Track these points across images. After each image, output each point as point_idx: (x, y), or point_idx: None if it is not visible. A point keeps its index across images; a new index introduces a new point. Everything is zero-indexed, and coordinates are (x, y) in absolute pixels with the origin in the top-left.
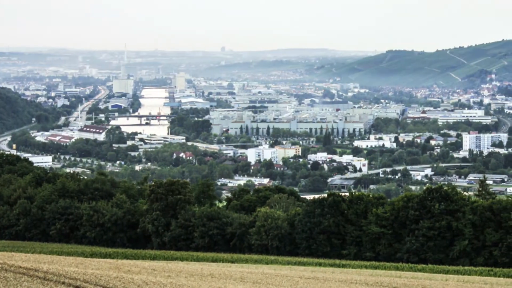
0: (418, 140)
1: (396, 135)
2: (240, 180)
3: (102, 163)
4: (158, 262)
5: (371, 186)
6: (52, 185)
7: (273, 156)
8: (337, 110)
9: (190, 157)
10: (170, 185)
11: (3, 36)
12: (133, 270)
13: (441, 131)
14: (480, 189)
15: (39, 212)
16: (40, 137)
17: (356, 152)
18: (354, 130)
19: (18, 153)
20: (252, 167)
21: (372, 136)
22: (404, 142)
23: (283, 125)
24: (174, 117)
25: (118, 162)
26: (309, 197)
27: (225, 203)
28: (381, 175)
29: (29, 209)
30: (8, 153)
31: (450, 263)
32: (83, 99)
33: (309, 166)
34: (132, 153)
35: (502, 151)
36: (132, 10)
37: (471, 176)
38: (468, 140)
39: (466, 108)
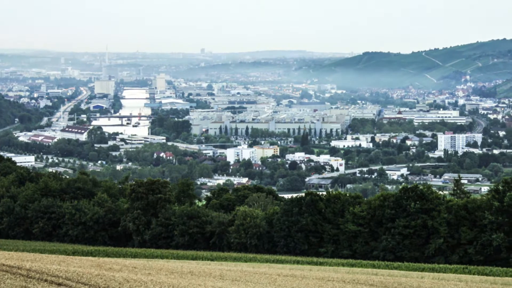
0: (394, 140)
1: (373, 135)
2: (219, 180)
3: (84, 162)
4: (138, 260)
5: (348, 186)
6: (35, 184)
7: (251, 156)
8: (315, 110)
9: (170, 157)
10: (150, 184)
11: None
12: (114, 268)
13: (417, 131)
14: (455, 188)
15: (22, 210)
16: (23, 137)
17: (333, 152)
18: (331, 130)
19: (1, 153)
20: (231, 167)
21: (349, 136)
22: (380, 142)
23: (262, 125)
24: (154, 118)
25: (99, 161)
26: (287, 196)
27: (204, 202)
28: (358, 175)
29: (12, 208)
30: None
31: (426, 261)
32: (65, 100)
33: (287, 165)
34: (113, 153)
35: (477, 151)
36: (113, 13)
37: (446, 176)
38: (443, 140)
39: (441, 109)
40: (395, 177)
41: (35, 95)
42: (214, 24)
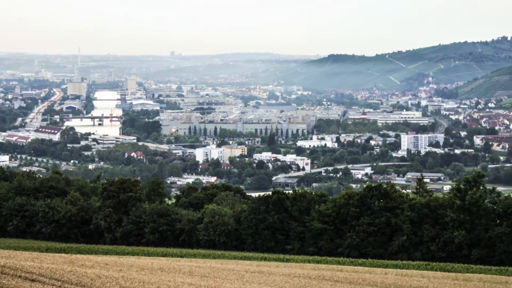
0: (359, 140)
1: (338, 135)
2: (189, 179)
3: (57, 162)
4: (110, 256)
5: (314, 184)
6: (9, 183)
7: (220, 155)
8: (281, 111)
9: (141, 157)
10: (121, 183)
11: None
12: (86, 264)
13: (381, 132)
14: (418, 187)
15: None
16: None
17: (300, 151)
18: (297, 130)
19: None
20: (200, 166)
21: (314, 137)
22: (345, 142)
23: (230, 126)
24: (125, 118)
25: (72, 161)
26: (255, 194)
27: (174, 200)
28: (323, 174)
29: None
30: None
31: (389, 257)
32: (39, 101)
33: (254, 165)
34: (86, 153)
35: (439, 150)
36: (85, 17)
37: (409, 175)
38: (406, 140)
39: (404, 110)
40: (359, 176)
41: (10, 96)
42: (184, 27)
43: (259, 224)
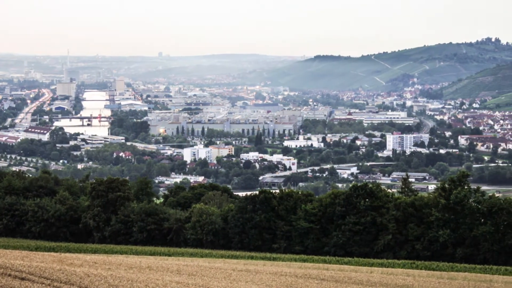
0: (345, 140)
1: (324, 135)
2: (177, 178)
3: (46, 162)
4: (99, 255)
5: (300, 184)
6: None
7: (207, 155)
8: (268, 112)
9: (129, 157)
10: (110, 182)
11: None
12: (75, 263)
13: (366, 132)
14: (403, 186)
15: None
16: None
17: (286, 151)
18: (284, 130)
19: None
20: (188, 166)
21: (301, 137)
22: (331, 142)
23: (217, 126)
24: (114, 119)
25: (61, 161)
26: (242, 194)
27: (162, 200)
28: (310, 173)
29: None
30: None
31: (375, 256)
32: (28, 101)
33: (241, 165)
34: (75, 153)
35: (424, 150)
36: (74, 17)
37: (394, 174)
38: (391, 140)
39: (389, 110)
40: (345, 176)
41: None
42: (171, 28)
43: (246, 223)
